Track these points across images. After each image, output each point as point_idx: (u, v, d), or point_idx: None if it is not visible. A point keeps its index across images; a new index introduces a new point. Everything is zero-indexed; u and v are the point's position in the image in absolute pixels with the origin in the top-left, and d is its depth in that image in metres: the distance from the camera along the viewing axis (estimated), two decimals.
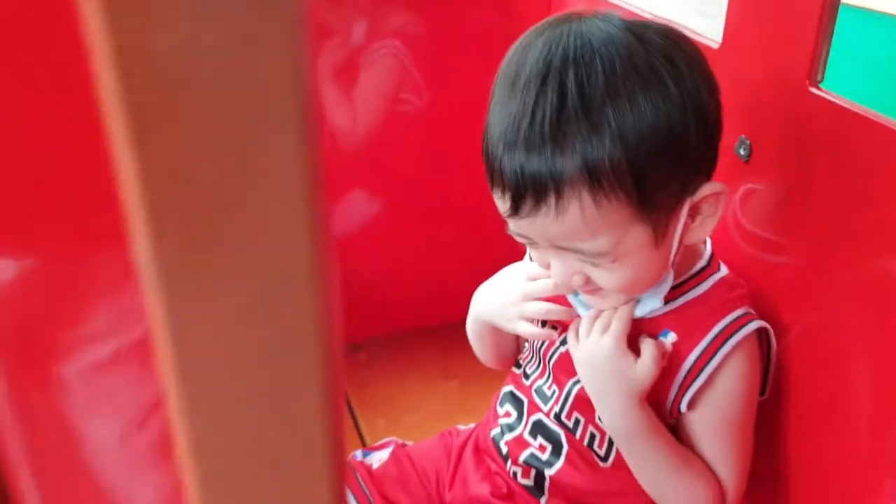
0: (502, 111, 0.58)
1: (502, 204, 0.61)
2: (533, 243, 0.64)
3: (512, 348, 0.83)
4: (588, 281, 0.64)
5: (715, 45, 0.76)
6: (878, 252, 0.61)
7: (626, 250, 0.60)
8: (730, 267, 0.73)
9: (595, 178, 0.56)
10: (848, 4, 1.25)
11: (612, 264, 0.61)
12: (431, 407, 1.09)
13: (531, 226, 0.60)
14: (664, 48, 0.58)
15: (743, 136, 0.74)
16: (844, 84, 1.29)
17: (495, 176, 0.60)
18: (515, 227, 0.62)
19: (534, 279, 0.71)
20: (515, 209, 0.59)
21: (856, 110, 0.62)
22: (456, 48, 0.61)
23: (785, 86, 0.68)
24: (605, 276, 0.62)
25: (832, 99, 0.64)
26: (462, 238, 1.20)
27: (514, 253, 0.79)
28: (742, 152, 0.74)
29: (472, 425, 0.86)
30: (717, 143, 0.63)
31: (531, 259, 0.73)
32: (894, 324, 0.61)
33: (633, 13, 0.86)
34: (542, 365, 0.76)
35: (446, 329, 0.86)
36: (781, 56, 0.68)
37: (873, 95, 1.27)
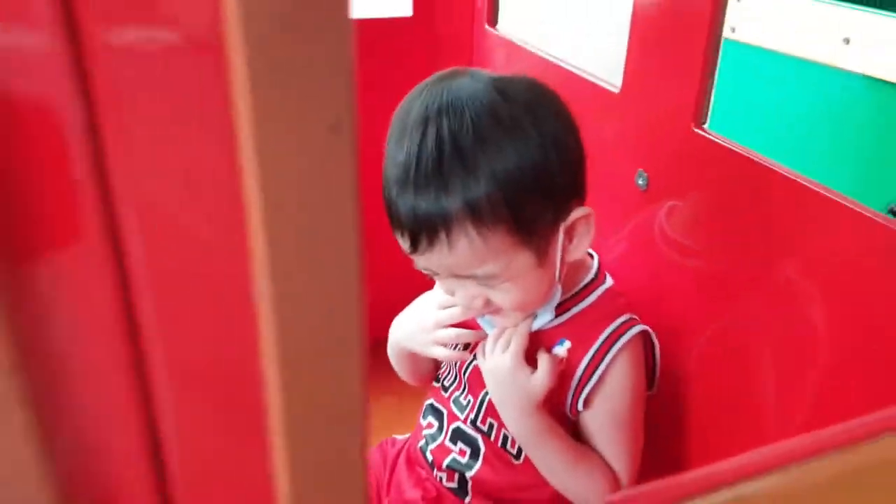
0: (393, 158, 0.67)
1: (403, 242, 0.69)
2: (436, 274, 0.71)
3: (430, 368, 0.91)
4: (488, 303, 0.72)
5: (615, 90, 0.86)
6: (757, 261, 0.72)
7: (515, 273, 0.69)
8: (640, 275, 0.83)
9: (477, 215, 0.64)
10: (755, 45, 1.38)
11: (505, 285, 0.69)
12: (372, 419, 1.17)
13: (429, 260, 0.68)
14: (525, 100, 0.67)
15: (641, 169, 0.84)
16: (734, 121, 1.43)
17: (393, 218, 0.68)
18: (417, 262, 0.70)
19: (444, 307, 0.80)
20: (414, 247, 0.67)
21: (730, 147, 0.72)
22: (383, 97, 0.67)
23: (674, 126, 0.78)
24: (501, 297, 0.71)
25: (712, 138, 0.74)
26: (394, 259, 1.27)
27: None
28: (640, 182, 0.84)
29: (407, 435, 0.93)
30: (582, 174, 0.72)
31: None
32: (785, 319, 0.70)
33: (548, 62, 0.96)
34: (458, 378, 0.85)
35: (381, 345, 0.93)
36: (671, 101, 0.79)
37: (765, 131, 1.40)
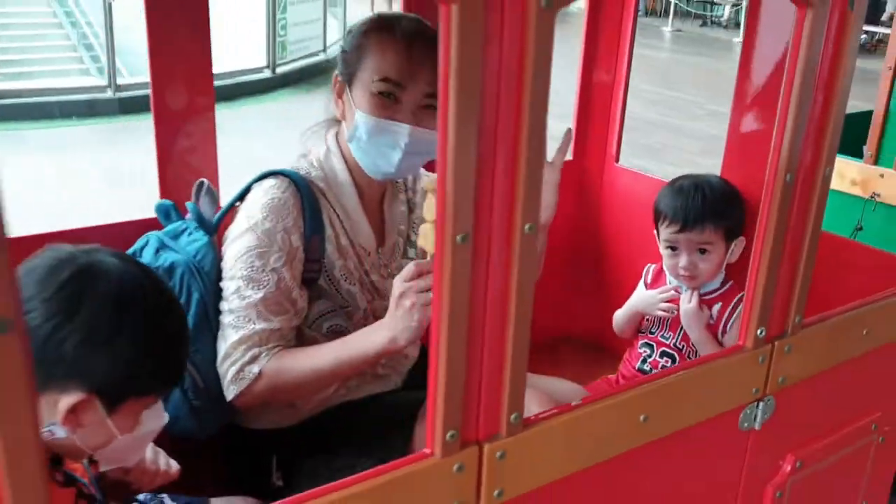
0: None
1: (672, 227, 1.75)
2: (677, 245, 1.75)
3: (637, 325, 1.90)
4: (695, 267, 1.74)
5: None
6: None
7: (715, 256, 1.73)
8: None
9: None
10: None
11: (709, 258, 1.73)
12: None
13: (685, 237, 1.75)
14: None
15: None
16: None
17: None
18: (674, 238, 1.75)
19: (659, 293, 1.84)
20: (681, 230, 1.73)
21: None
22: None
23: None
24: (704, 266, 1.74)
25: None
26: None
27: None
28: None
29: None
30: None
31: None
32: None
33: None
34: (661, 325, 1.85)
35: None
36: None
37: None
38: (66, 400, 0.93)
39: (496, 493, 0.96)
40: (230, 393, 1.34)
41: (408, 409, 1.42)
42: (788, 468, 1.44)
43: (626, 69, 2.06)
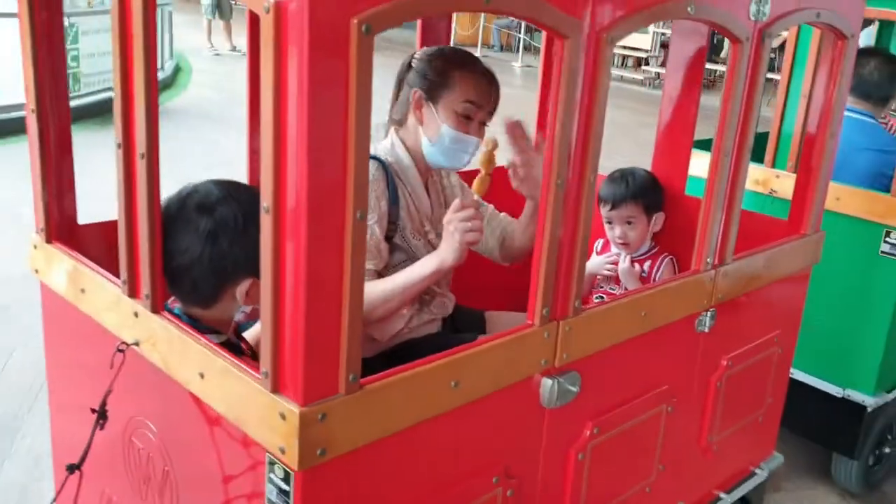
0: None
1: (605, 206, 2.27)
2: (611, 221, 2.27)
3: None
4: (626, 236, 2.27)
5: None
6: None
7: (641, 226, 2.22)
8: None
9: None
10: None
11: (637, 230, 2.23)
12: None
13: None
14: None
15: None
16: None
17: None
18: (610, 215, 2.26)
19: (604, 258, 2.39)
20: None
21: None
22: None
23: None
24: (633, 235, 2.25)
25: None
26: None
27: None
28: None
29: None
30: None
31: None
32: None
33: None
34: (608, 281, 2.34)
35: None
36: None
37: None
38: (242, 287, 1.48)
39: (564, 355, 1.54)
40: None
41: (457, 344, 1.57)
42: (588, 433, 1.69)
43: None
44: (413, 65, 1.97)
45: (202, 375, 1.33)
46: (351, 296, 1.16)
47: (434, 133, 1.91)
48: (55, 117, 1.68)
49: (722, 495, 2.26)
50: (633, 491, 1.91)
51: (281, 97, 1.06)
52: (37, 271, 1.77)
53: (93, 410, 1.46)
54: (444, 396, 1.36)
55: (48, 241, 1.72)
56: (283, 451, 1.18)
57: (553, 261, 1.48)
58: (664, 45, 11.34)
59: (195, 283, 1.49)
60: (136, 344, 1.48)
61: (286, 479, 1.21)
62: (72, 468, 1.45)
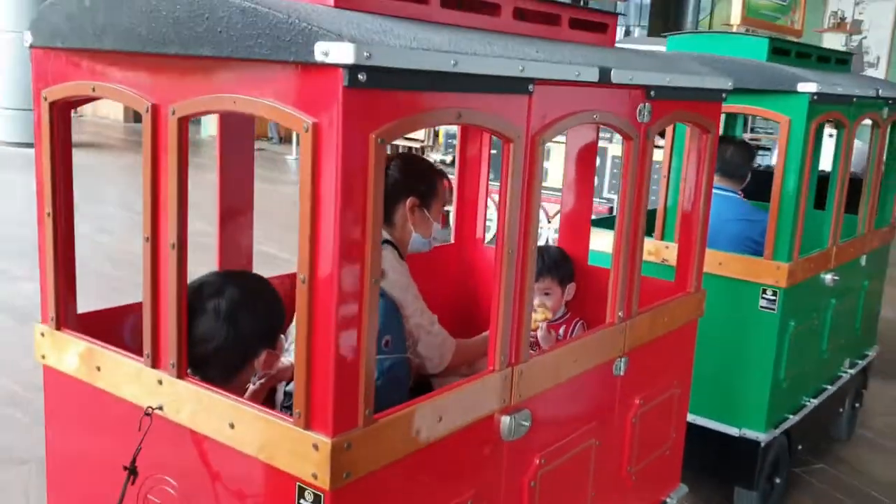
0: None
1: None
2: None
3: None
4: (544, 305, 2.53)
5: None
6: None
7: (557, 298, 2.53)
8: None
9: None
10: None
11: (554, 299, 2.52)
12: None
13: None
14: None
15: None
16: None
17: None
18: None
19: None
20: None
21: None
22: None
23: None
24: (552, 303, 2.54)
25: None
26: None
27: None
28: None
29: None
30: None
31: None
32: None
33: None
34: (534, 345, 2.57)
35: None
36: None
37: None
38: (261, 358, 1.86)
39: (518, 395, 1.88)
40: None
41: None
42: (537, 462, 2.03)
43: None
44: (398, 175, 2.39)
45: (232, 426, 1.59)
46: (367, 346, 1.47)
47: (426, 230, 2.43)
48: (64, 220, 1.93)
49: None
50: None
51: (317, 191, 1.39)
52: (43, 357, 1.98)
53: (125, 468, 1.68)
54: (432, 429, 1.67)
55: (58, 328, 1.94)
56: (315, 477, 1.46)
57: (508, 316, 1.84)
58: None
59: (224, 364, 1.77)
60: (160, 408, 1.72)
61: (316, 501, 1.49)
62: None
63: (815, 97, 3.06)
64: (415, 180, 2.40)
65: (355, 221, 1.41)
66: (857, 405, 4.32)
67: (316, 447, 1.45)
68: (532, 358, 1.94)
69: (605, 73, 1.98)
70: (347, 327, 1.44)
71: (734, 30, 3.62)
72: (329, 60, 1.34)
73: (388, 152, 1.49)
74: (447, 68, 1.51)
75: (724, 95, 2.58)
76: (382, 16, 1.62)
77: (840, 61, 3.91)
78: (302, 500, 1.51)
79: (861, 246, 3.88)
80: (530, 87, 1.77)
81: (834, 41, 11.56)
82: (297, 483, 1.51)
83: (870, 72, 11.62)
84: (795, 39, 3.83)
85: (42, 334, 1.97)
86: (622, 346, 2.30)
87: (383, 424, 1.54)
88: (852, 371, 4.05)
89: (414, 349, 2.33)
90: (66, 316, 1.96)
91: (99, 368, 1.85)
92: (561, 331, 2.80)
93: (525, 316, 1.89)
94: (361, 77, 1.36)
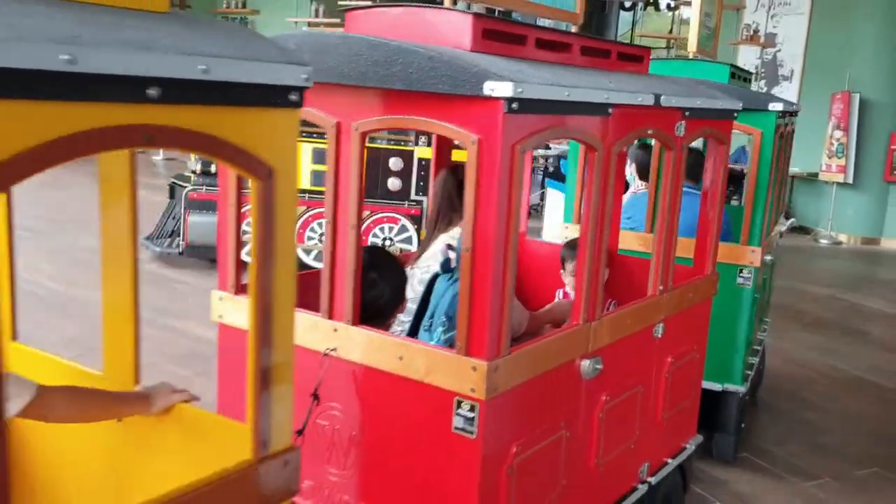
0: None
1: None
2: None
3: None
4: None
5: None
6: None
7: None
8: None
9: None
10: None
11: None
12: None
13: None
14: None
15: None
16: None
17: None
18: None
19: None
20: None
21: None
22: None
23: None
24: None
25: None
26: None
27: None
28: None
29: None
30: None
31: None
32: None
33: None
34: None
35: None
36: None
37: None
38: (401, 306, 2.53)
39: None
40: None
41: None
42: (603, 399, 2.62)
43: None
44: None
45: (401, 358, 2.16)
46: (509, 298, 2.05)
47: None
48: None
49: (669, 460, 3.22)
50: (631, 441, 2.83)
51: (479, 185, 1.97)
52: (220, 316, 2.53)
53: (312, 395, 2.24)
54: (540, 363, 2.25)
55: (237, 293, 2.49)
56: (473, 391, 2.04)
57: (588, 283, 2.43)
58: None
59: (388, 314, 2.36)
60: (335, 349, 2.29)
61: (472, 409, 2.06)
62: (299, 432, 2.22)
63: (780, 114, 3.77)
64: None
65: (505, 205, 1.99)
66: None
67: (474, 369, 2.03)
68: (603, 316, 2.53)
69: (657, 99, 2.59)
70: (496, 283, 2.02)
71: (690, 56, 4.56)
72: (494, 94, 1.92)
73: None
74: (564, 98, 2.11)
75: (735, 114, 3.21)
76: (504, 57, 2.21)
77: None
78: (459, 410, 2.08)
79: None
80: (609, 110, 2.37)
81: (748, 54, 11.85)
82: (456, 397, 2.08)
83: (784, 85, 11.71)
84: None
85: (220, 299, 2.52)
86: (662, 314, 2.90)
87: (516, 355, 2.12)
88: (765, 335, 4.97)
89: None
90: (238, 284, 2.51)
91: None
92: None
93: (599, 283, 2.49)
94: (514, 106, 1.94)
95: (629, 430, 2.85)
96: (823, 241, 11.21)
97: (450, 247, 2.75)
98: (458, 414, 2.09)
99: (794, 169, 11.27)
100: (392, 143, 6.52)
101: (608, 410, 2.64)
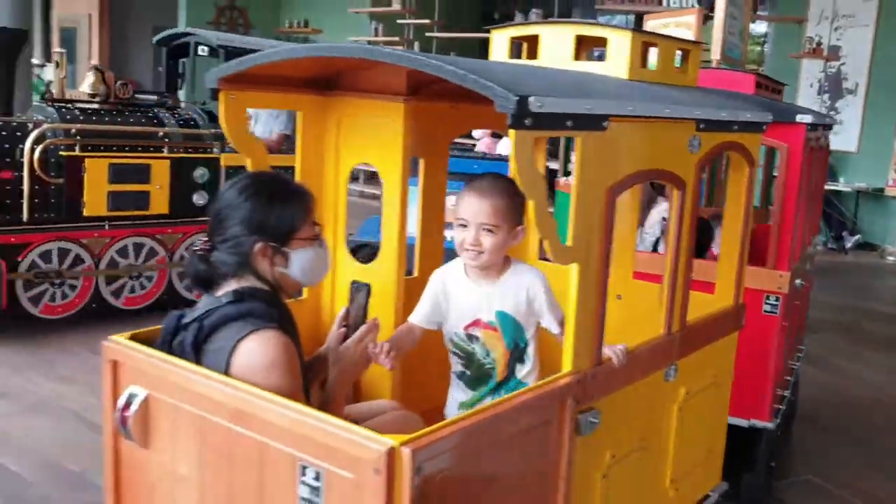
0: None
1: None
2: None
3: None
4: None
5: None
6: None
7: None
8: None
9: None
10: None
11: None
12: None
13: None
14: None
15: None
16: None
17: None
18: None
19: None
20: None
21: None
22: None
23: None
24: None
25: None
26: None
27: None
28: None
29: None
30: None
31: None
32: None
33: None
34: None
35: None
36: None
37: None
38: None
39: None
40: None
41: None
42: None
43: None
44: None
45: None
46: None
47: None
48: None
49: None
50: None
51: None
52: None
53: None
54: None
55: None
56: None
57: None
58: None
59: None
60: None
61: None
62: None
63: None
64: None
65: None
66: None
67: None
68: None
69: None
70: None
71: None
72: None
73: None
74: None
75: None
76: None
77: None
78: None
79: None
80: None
81: (811, 67, 11.43)
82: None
83: (848, 98, 11.31)
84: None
85: None
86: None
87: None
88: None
89: None
90: None
91: None
92: None
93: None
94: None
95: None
96: (891, 259, 10.60)
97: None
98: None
99: (859, 184, 10.92)
100: (191, 151, 5.84)
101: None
